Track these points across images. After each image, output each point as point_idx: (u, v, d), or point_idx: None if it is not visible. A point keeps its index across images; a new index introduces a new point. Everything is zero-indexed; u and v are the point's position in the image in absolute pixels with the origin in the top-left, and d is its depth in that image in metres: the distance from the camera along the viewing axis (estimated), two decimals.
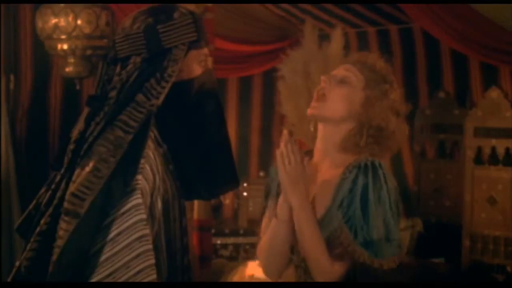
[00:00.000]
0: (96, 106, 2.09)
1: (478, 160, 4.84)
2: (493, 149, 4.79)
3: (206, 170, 2.21)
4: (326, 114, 2.23)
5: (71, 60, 4.70)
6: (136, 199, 1.99)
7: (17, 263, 2.05)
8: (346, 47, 4.64)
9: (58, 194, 2.03)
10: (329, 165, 2.24)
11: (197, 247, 4.15)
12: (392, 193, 2.15)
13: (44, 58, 5.14)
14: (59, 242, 1.96)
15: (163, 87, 2.07)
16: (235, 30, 5.65)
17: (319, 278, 2.16)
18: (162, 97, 2.07)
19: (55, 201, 2.02)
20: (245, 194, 5.69)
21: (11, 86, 5.15)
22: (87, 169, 1.99)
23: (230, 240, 5.54)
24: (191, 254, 2.36)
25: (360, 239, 2.10)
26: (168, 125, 2.17)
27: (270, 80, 5.54)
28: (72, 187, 1.99)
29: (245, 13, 5.66)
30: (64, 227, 1.96)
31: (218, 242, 5.45)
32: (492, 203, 4.75)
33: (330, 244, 2.13)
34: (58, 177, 2.08)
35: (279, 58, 4.72)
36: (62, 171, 2.07)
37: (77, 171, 2.01)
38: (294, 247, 2.21)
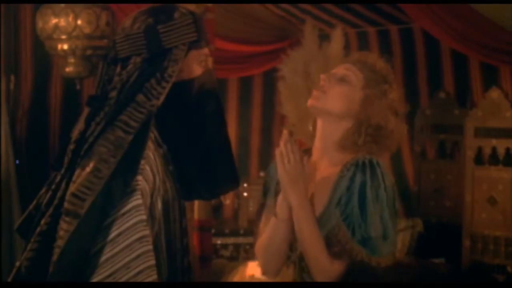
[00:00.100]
0: (97, 106, 2.09)
1: (479, 160, 4.84)
2: (494, 149, 4.79)
3: (207, 170, 2.21)
4: (327, 106, 2.23)
5: (71, 60, 4.70)
6: (136, 200, 1.99)
7: (17, 263, 2.05)
8: (346, 47, 4.65)
9: (59, 194, 2.03)
10: (327, 164, 2.25)
11: (197, 247, 4.15)
12: (390, 191, 2.16)
13: (44, 58, 5.14)
14: (60, 242, 1.96)
15: (164, 87, 2.07)
16: (235, 30, 5.65)
17: (318, 276, 2.16)
18: (162, 98, 2.07)
19: (56, 201, 2.02)
20: (245, 194, 5.69)
21: (12, 86, 5.15)
22: (88, 169, 1.99)
23: (231, 240, 5.54)
24: (191, 254, 2.36)
25: (358, 237, 2.11)
26: (169, 125, 2.17)
27: (270, 80, 5.54)
28: (72, 188, 1.99)
29: (245, 13, 5.66)
30: (65, 228, 1.96)
31: (219, 242, 5.45)
32: (493, 203, 4.75)
33: (329, 242, 2.14)
34: (58, 177, 2.08)
35: (280, 58, 4.73)
36: (62, 171, 2.06)
37: (77, 171, 2.01)
38: (293, 245, 2.21)
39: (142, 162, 2.02)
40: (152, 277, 1.98)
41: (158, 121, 2.12)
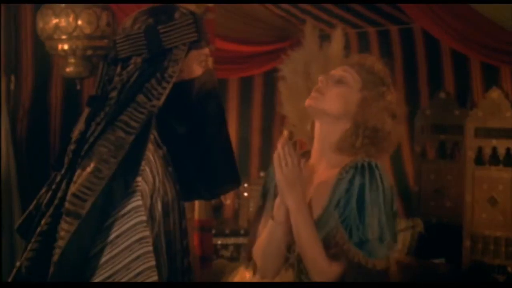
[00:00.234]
0: (97, 107, 2.09)
1: (479, 160, 4.83)
2: (494, 149, 4.79)
3: (207, 170, 2.21)
4: (324, 106, 2.24)
5: (72, 60, 4.70)
6: (135, 201, 1.99)
7: (18, 263, 2.05)
8: (347, 47, 4.64)
9: (59, 194, 2.03)
10: (325, 166, 2.26)
11: (197, 247, 4.14)
12: (388, 193, 2.16)
13: (44, 58, 5.14)
14: (60, 243, 1.96)
15: (164, 88, 2.07)
16: (236, 30, 5.65)
17: (317, 278, 2.17)
18: (163, 98, 2.07)
19: (56, 201, 2.02)
20: (245, 194, 5.68)
21: (12, 86, 5.15)
22: (88, 169, 1.99)
23: (231, 240, 5.54)
24: (191, 255, 2.36)
25: (355, 239, 2.12)
26: (169, 126, 2.18)
27: (270, 80, 5.53)
28: (73, 188, 1.99)
29: (245, 13, 5.66)
30: (66, 228, 1.96)
31: (219, 242, 5.45)
32: (493, 203, 4.75)
33: (327, 244, 2.14)
34: (58, 177, 2.08)
35: (280, 59, 4.72)
36: (63, 171, 2.07)
37: (78, 172, 2.01)
38: (290, 247, 2.21)
39: (142, 163, 2.02)
40: (152, 278, 1.98)
41: (158, 121, 2.12)
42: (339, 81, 2.27)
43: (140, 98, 2.06)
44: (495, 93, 4.78)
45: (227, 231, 5.57)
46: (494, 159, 4.78)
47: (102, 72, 2.15)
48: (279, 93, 4.78)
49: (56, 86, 5.34)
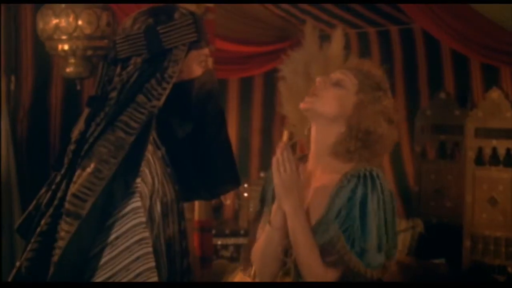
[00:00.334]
0: (97, 107, 2.09)
1: (479, 160, 4.83)
2: (494, 149, 4.79)
3: (207, 170, 2.21)
4: (318, 108, 2.24)
5: (72, 60, 4.70)
6: (135, 202, 1.99)
7: (18, 264, 2.05)
8: (347, 47, 4.64)
9: (59, 194, 2.03)
10: (322, 171, 2.26)
11: (197, 248, 4.14)
12: (389, 202, 2.16)
13: (44, 58, 5.14)
14: (60, 243, 1.96)
15: (164, 88, 2.07)
16: (236, 30, 5.65)
17: None
18: (163, 98, 2.07)
19: (56, 202, 2.02)
20: (245, 194, 5.68)
21: (12, 86, 5.15)
22: (88, 170, 1.99)
23: (231, 240, 5.54)
24: (191, 256, 2.36)
25: (356, 249, 2.12)
26: (169, 126, 2.17)
27: (271, 80, 5.53)
28: (73, 188, 1.99)
29: (245, 13, 5.65)
30: (66, 228, 1.96)
31: (219, 242, 5.45)
32: (493, 203, 4.75)
33: (326, 251, 2.15)
34: (58, 178, 2.07)
35: (280, 59, 4.70)
36: (62, 171, 2.06)
37: (78, 172, 2.01)
38: (288, 251, 2.22)
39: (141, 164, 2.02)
40: (152, 279, 1.98)
41: (158, 121, 2.12)
42: (337, 84, 2.27)
43: (140, 98, 2.06)
44: (495, 94, 4.78)
45: (227, 232, 5.57)
46: (494, 160, 4.78)
47: (102, 73, 2.15)
48: (279, 94, 4.77)
49: (56, 86, 5.34)
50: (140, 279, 1.96)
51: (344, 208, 2.15)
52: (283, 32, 5.82)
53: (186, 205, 2.23)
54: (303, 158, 2.33)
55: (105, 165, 1.98)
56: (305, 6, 5.33)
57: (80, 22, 4.57)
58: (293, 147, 2.27)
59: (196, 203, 4.07)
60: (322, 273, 2.14)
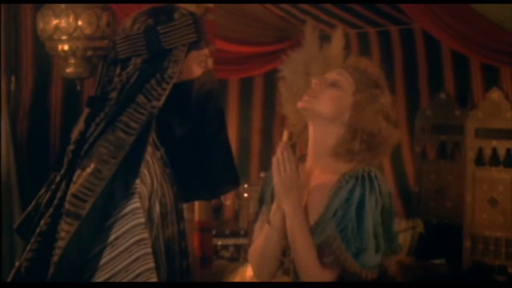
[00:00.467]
0: (96, 107, 2.09)
1: (479, 161, 4.83)
2: (494, 150, 4.79)
3: (206, 171, 2.21)
4: (316, 108, 2.24)
5: (72, 61, 4.70)
6: (134, 203, 1.99)
7: (17, 264, 2.05)
8: (347, 48, 4.64)
9: (58, 194, 2.03)
10: (320, 171, 2.26)
11: (197, 248, 4.14)
12: (387, 204, 2.16)
13: (44, 59, 5.14)
14: (60, 243, 1.96)
15: (164, 89, 2.07)
16: (236, 31, 5.65)
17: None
18: (163, 99, 2.07)
19: (55, 202, 2.02)
20: (245, 195, 5.68)
21: (12, 86, 5.16)
22: (88, 170, 1.99)
23: (231, 241, 5.54)
24: (191, 257, 2.36)
25: (352, 250, 2.12)
26: (169, 126, 2.17)
27: (271, 81, 5.53)
28: (73, 188, 1.99)
29: (245, 14, 5.65)
30: (66, 229, 1.96)
31: (219, 243, 5.45)
32: (493, 204, 4.75)
33: (322, 251, 2.15)
34: (58, 178, 2.07)
35: (280, 59, 4.70)
36: (62, 171, 2.06)
37: (77, 172, 2.01)
38: (286, 251, 2.22)
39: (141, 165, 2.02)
40: (151, 279, 1.98)
41: (158, 122, 2.12)
42: (333, 84, 2.27)
43: (140, 99, 2.06)
44: (495, 94, 4.78)
45: (227, 232, 5.57)
46: (494, 160, 4.78)
47: (101, 73, 2.14)
48: (279, 94, 4.77)
49: (56, 86, 5.34)
50: (139, 280, 1.96)
51: (341, 209, 2.15)
52: (283, 33, 5.82)
53: (186, 205, 2.23)
54: (302, 158, 2.33)
55: (105, 166, 1.98)
56: (305, 6, 5.33)
57: (80, 23, 4.58)
58: (293, 147, 2.27)
59: (196, 203, 4.07)
60: (319, 273, 2.14)
